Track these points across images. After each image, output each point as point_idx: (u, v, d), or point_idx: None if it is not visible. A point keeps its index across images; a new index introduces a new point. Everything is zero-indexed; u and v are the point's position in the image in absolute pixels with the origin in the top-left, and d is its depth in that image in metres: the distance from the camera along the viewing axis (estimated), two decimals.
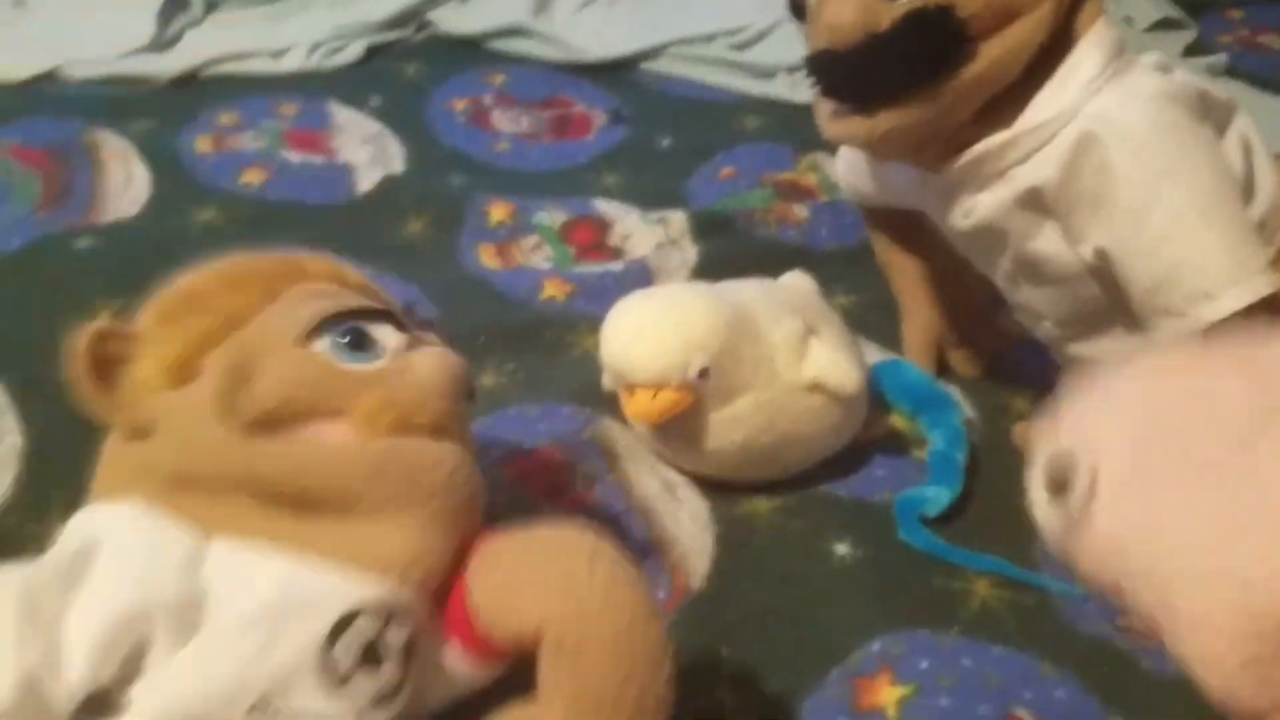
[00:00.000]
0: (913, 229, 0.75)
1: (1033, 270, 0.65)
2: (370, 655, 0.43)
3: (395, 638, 0.44)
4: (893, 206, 0.75)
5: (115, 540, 0.44)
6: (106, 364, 0.47)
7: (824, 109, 0.63)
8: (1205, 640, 0.34)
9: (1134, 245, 0.58)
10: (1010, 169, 0.62)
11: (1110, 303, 0.63)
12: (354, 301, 0.50)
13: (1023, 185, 0.61)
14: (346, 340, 0.48)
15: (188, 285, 0.52)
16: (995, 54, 0.58)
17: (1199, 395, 0.38)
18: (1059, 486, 0.39)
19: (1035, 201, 0.62)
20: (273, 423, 0.46)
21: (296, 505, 0.45)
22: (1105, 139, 0.58)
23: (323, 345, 0.48)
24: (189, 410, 0.46)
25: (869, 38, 0.58)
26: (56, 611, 0.41)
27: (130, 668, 0.41)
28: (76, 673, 0.40)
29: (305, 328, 0.48)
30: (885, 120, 0.60)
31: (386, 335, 0.50)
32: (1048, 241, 0.63)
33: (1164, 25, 1.27)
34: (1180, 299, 0.57)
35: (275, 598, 0.43)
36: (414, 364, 0.50)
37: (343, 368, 0.48)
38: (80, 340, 0.47)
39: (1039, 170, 0.61)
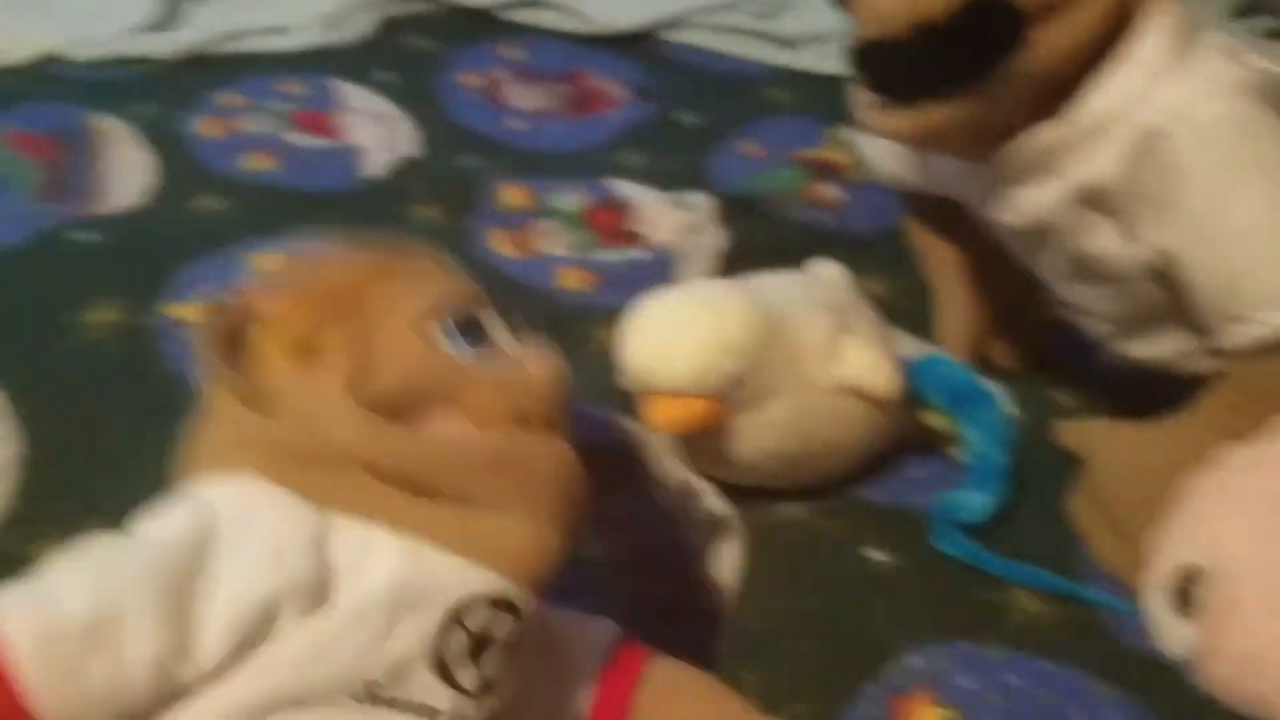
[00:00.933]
0: (953, 214, 0.71)
1: (1086, 268, 0.62)
2: (478, 646, 0.44)
3: (503, 631, 0.45)
4: (931, 193, 0.71)
5: (241, 517, 0.43)
6: (231, 336, 0.47)
7: (863, 100, 0.60)
8: None
9: (1202, 249, 0.55)
10: (1064, 163, 0.58)
11: (1168, 303, 0.59)
12: (470, 290, 0.50)
13: (1078, 181, 0.58)
14: (462, 329, 0.48)
15: (309, 264, 0.51)
16: (1052, 43, 0.55)
17: None
18: (1186, 601, 0.35)
19: (1092, 199, 0.58)
20: (393, 406, 0.46)
21: (417, 490, 0.45)
22: (1174, 136, 0.55)
23: (440, 332, 0.48)
24: (318, 389, 0.46)
25: (921, 27, 0.54)
26: (189, 595, 0.41)
27: (253, 646, 0.42)
28: (207, 655, 0.41)
29: (424, 311, 0.48)
30: (934, 115, 0.57)
31: (497, 329, 0.50)
32: (1104, 240, 0.59)
33: None
34: (1250, 306, 0.54)
35: (395, 584, 0.43)
36: (523, 362, 0.50)
37: (458, 358, 0.48)
38: (210, 313, 0.47)
39: (1097, 166, 0.57)
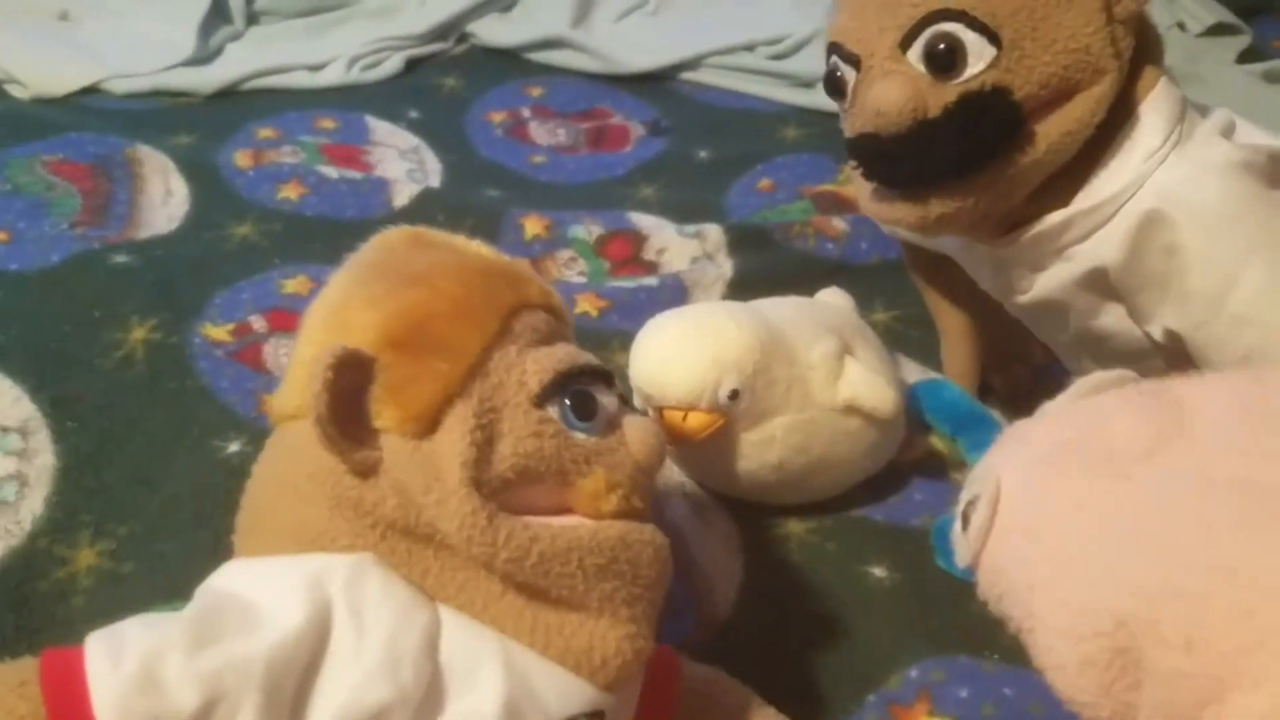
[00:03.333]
0: (952, 261, 0.71)
1: (1096, 345, 0.62)
2: None
3: None
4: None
5: (358, 607, 0.41)
6: (348, 397, 0.43)
7: (864, 187, 0.59)
8: (1053, 642, 0.36)
9: (1210, 329, 0.55)
10: (1069, 247, 0.58)
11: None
12: (582, 358, 0.48)
13: (1084, 266, 0.58)
14: (575, 405, 0.46)
15: (419, 306, 0.46)
16: (1053, 136, 0.54)
17: (1094, 426, 0.40)
18: (965, 523, 0.41)
19: (1098, 282, 0.58)
20: (505, 485, 0.44)
21: (525, 588, 0.44)
22: (1174, 219, 0.54)
23: (555, 409, 0.46)
24: (439, 469, 0.43)
25: (919, 124, 0.53)
26: (300, 695, 0.40)
27: None
28: None
29: (548, 389, 0.46)
30: (936, 206, 0.56)
31: (606, 399, 0.48)
32: (1112, 319, 0.59)
33: (1218, 31, 1.24)
34: None
35: (502, 702, 0.42)
36: (628, 436, 0.48)
37: (572, 437, 0.46)
38: (325, 366, 0.42)
39: (1101, 250, 0.57)
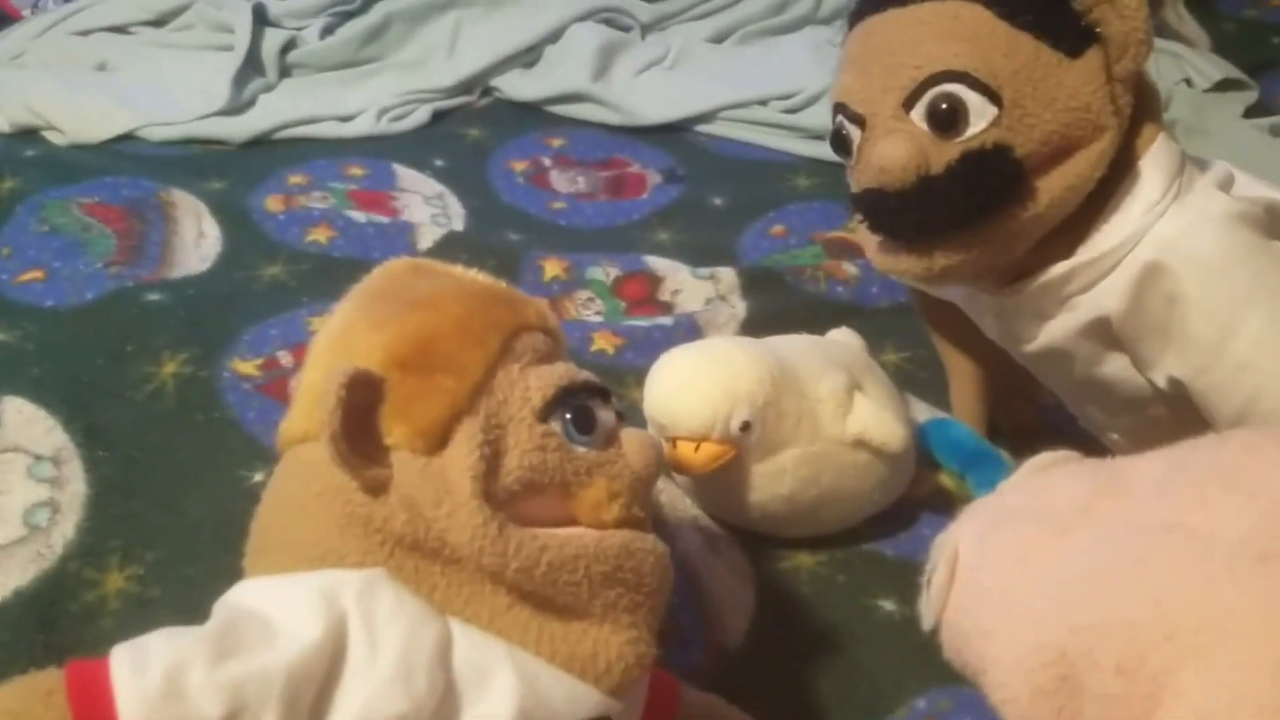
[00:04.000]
0: (957, 306, 0.72)
1: (1101, 392, 0.63)
2: None
3: None
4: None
5: (371, 621, 0.42)
6: (358, 416, 0.44)
7: (871, 240, 0.61)
8: (1005, 679, 0.39)
9: (1212, 376, 0.56)
10: (1073, 297, 0.59)
11: (1182, 425, 0.59)
12: (581, 375, 0.49)
13: (1088, 316, 0.59)
14: (576, 419, 0.48)
15: (424, 326, 0.47)
16: (1055, 191, 0.56)
17: (1040, 493, 0.43)
18: (928, 584, 0.44)
19: (1101, 331, 0.59)
20: (511, 497, 0.45)
21: (532, 596, 0.45)
22: (1174, 269, 0.56)
23: (557, 424, 0.47)
24: (446, 483, 0.44)
25: (922, 180, 0.55)
26: (316, 709, 0.41)
27: None
28: None
29: (551, 404, 0.47)
30: (940, 258, 0.57)
31: (605, 413, 0.49)
32: (1116, 367, 0.60)
33: (1225, 86, 1.26)
34: (1264, 424, 0.55)
35: (515, 709, 0.43)
36: (626, 448, 0.49)
37: (574, 450, 0.47)
38: (337, 385, 0.43)
39: (1103, 300, 0.58)
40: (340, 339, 0.48)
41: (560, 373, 0.48)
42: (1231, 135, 1.17)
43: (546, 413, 0.47)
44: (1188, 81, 1.27)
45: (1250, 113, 1.23)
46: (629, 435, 0.50)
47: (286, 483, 0.48)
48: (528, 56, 1.30)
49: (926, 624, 0.44)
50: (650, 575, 0.48)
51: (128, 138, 1.13)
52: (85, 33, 1.33)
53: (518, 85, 1.27)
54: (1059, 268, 0.59)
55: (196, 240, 0.97)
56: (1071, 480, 0.43)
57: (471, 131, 1.20)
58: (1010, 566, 0.41)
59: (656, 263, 0.96)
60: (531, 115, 1.23)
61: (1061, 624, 0.38)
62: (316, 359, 0.49)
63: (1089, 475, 0.43)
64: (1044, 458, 0.46)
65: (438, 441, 0.45)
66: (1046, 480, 0.44)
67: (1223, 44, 1.35)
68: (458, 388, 0.46)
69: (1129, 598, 0.37)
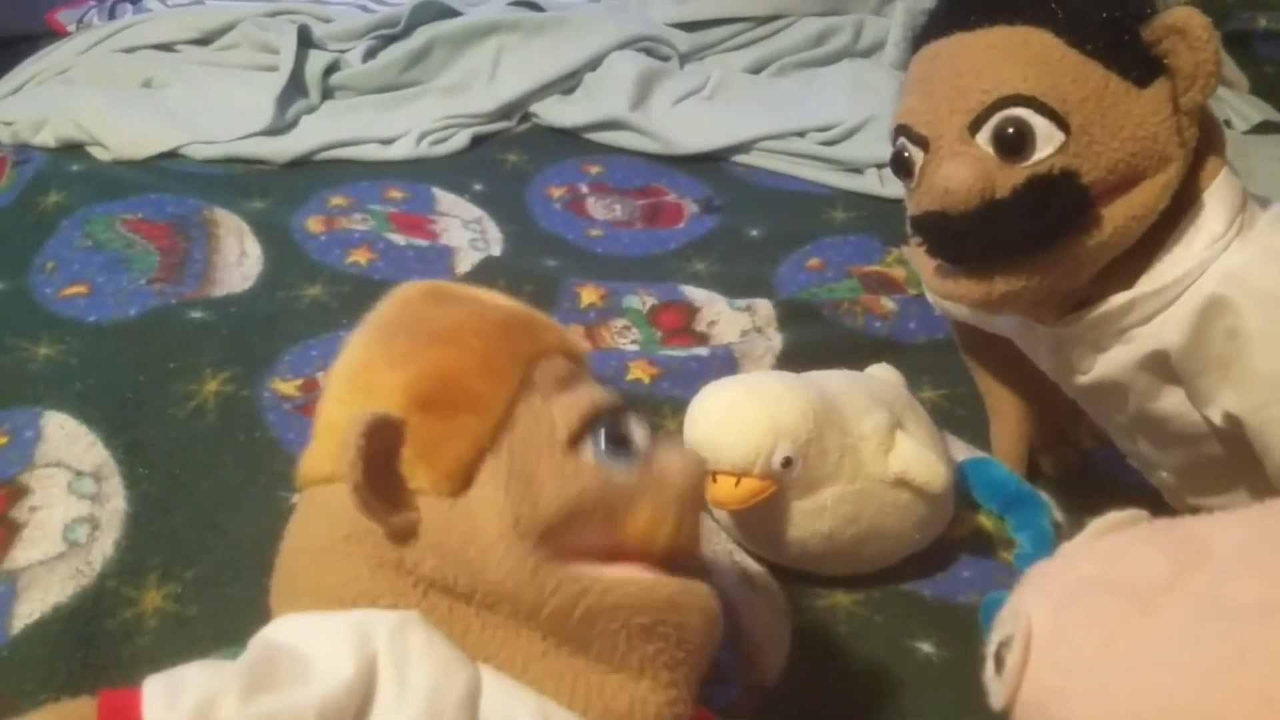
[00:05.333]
0: (1004, 343, 0.72)
1: (1154, 428, 0.62)
2: None
3: None
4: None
5: (401, 662, 0.42)
6: (380, 461, 0.44)
7: (928, 264, 0.60)
8: None
9: (1271, 412, 0.55)
10: (1131, 329, 0.59)
11: (1235, 464, 0.60)
12: (605, 398, 0.48)
13: (1146, 348, 0.58)
14: (610, 438, 0.47)
15: (443, 364, 0.47)
16: (1119, 220, 0.55)
17: (1114, 562, 0.42)
18: (1000, 661, 0.42)
19: (1159, 364, 0.59)
20: (551, 529, 0.44)
21: (568, 638, 0.44)
22: (1237, 303, 0.55)
23: (589, 450, 0.46)
24: (477, 524, 0.44)
25: (987, 203, 0.54)
26: None
27: None
28: None
29: (579, 430, 0.46)
30: (1001, 284, 0.56)
31: (637, 431, 0.48)
32: (1171, 402, 0.60)
33: (1264, 128, 1.26)
34: None
35: None
36: (667, 469, 0.48)
37: (612, 474, 0.46)
38: (357, 436, 0.42)
39: (1163, 333, 0.57)
40: (360, 375, 0.48)
41: (584, 399, 0.47)
42: (1271, 176, 1.16)
43: (575, 440, 0.46)
44: (1227, 123, 1.26)
45: None
46: (667, 453, 0.49)
47: (312, 524, 0.47)
48: (567, 83, 1.31)
49: (997, 703, 0.42)
50: (695, 632, 0.46)
51: (171, 155, 1.15)
52: (131, 50, 1.35)
53: (556, 112, 1.28)
54: (1119, 298, 0.58)
55: (239, 259, 0.98)
56: (1145, 548, 0.41)
57: (510, 157, 1.21)
58: (1095, 649, 0.39)
59: (693, 293, 0.96)
60: (570, 142, 1.24)
61: (1162, 717, 0.36)
62: (337, 395, 0.48)
63: (1165, 545, 0.41)
64: (1111, 519, 0.45)
65: (461, 483, 0.44)
66: (1119, 547, 0.43)
67: (1261, 87, 1.35)
68: (480, 426, 0.45)
69: (1238, 691, 0.35)
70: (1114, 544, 0.43)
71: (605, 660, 0.44)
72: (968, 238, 0.55)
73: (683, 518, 0.48)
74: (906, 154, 0.58)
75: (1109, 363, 0.60)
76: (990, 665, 0.43)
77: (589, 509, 0.45)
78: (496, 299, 0.52)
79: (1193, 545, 0.41)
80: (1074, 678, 0.39)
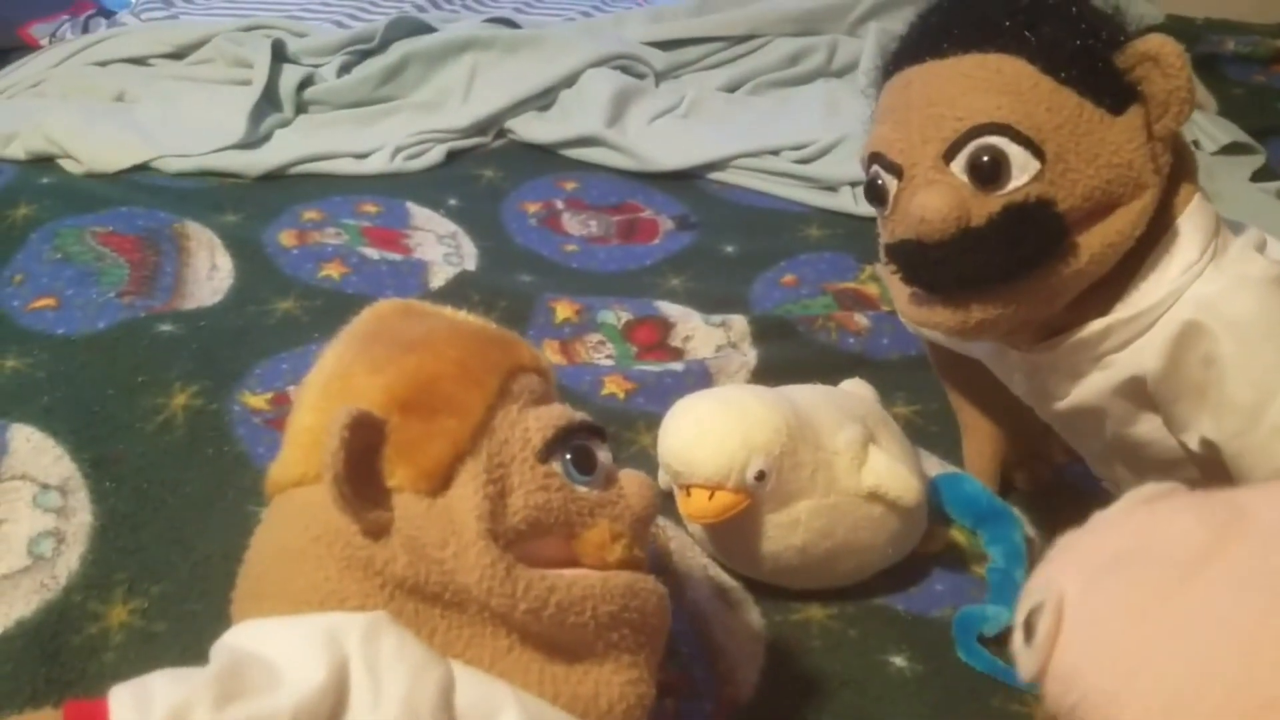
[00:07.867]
0: (976, 362, 0.72)
1: (1131, 453, 0.62)
2: None
3: None
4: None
5: (374, 664, 0.42)
6: (360, 460, 0.44)
7: (902, 291, 0.60)
8: None
9: (1247, 439, 0.55)
10: (1108, 355, 0.59)
11: (1210, 488, 0.60)
12: (578, 416, 0.50)
13: (1123, 374, 0.58)
14: (577, 459, 0.48)
15: (423, 368, 0.48)
16: (1095, 247, 0.56)
17: (1151, 533, 0.41)
18: (1030, 630, 0.41)
19: (1135, 390, 0.59)
20: (515, 538, 0.46)
21: (536, 637, 0.45)
22: (1212, 330, 0.55)
23: (558, 465, 0.48)
24: (455, 525, 0.44)
25: (962, 232, 0.54)
26: None
27: None
28: None
29: (551, 444, 0.48)
30: (977, 311, 0.56)
31: (603, 454, 0.50)
32: (1148, 428, 0.60)
33: (1233, 150, 1.28)
34: None
35: None
36: (625, 489, 0.50)
37: (575, 490, 0.48)
38: (340, 427, 0.43)
39: (1139, 359, 0.58)
40: (337, 381, 0.48)
41: (558, 414, 0.49)
42: (1239, 198, 1.18)
43: (547, 453, 0.48)
44: (1196, 144, 1.28)
45: (1256, 176, 1.24)
46: (628, 476, 0.51)
47: (281, 528, 0.47)
48: (543, 100, 1.32)
49: (1026, 674, 0.41)
50: (653, 615, 0.49)
51: (143, 169, 1.14)
52: (104, 63, 1.34)
53: (532, 128, 1.28)
54: (1096, 324, 0.58)
55: (209, 273, 0.97)
56: (1184, 518, 0.40)
57: (486, 172, 1.21)
58: (1133, 619, 0.38)
59: (668, 308, 0.97)
60: (545, 158, 1.24)
61: (1210, 688, 0.35)
62: (311, 402, 0.49)
63: (1204, 515, 0.40)
64: (1147, 489, 0.44)
65: (441, 483, 0.45)
66: (1156, 518, 0.41)
67: (1230, 108, 1.37)
68: (460, 428, 0.46)
69: (1278, 667, 0.34)
70: (1151, 515, 0.42)
71: (570, 650, 0.46)
72: (943, 266, 0.55)
73: (636, 537, 0.50)
74: (880, 181, 0.58)
75: (1086, 389, 0.61)
76: (1019, 635, 0.41)
77: (550, 521, 0.47)
78: (469, 317, 0.53)
79: (1232, 516, 0.39)
80: (1110, 648, 0.38)
